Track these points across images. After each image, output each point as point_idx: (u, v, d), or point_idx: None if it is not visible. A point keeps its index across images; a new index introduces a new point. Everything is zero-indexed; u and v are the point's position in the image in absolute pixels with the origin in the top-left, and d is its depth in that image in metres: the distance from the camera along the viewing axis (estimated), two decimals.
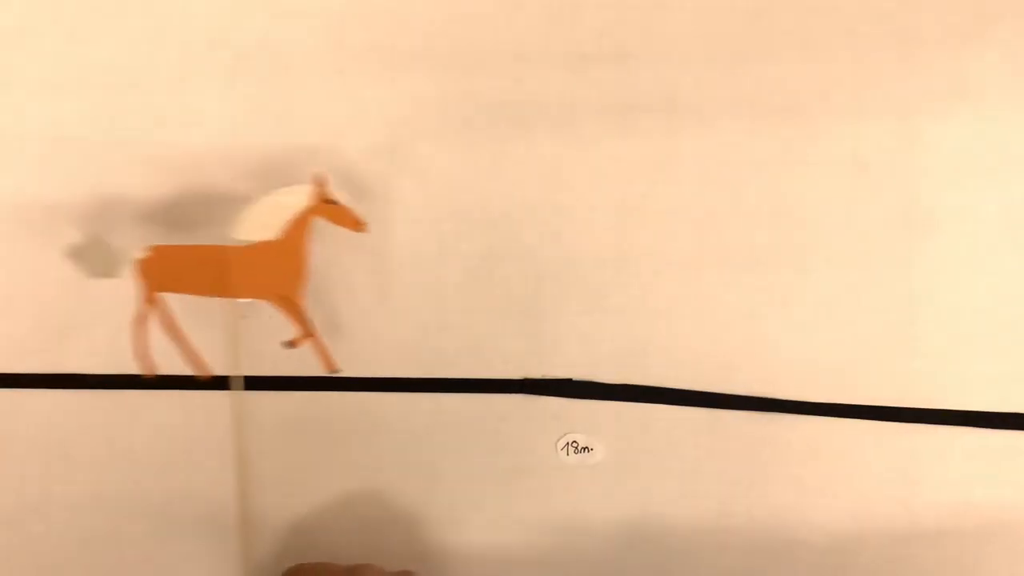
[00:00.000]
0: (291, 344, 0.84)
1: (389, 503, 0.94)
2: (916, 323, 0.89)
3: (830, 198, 0.89)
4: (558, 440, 0.92)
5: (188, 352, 0.86)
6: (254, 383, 0.91)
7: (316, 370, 0.90)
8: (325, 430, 0.93)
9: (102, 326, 0.92)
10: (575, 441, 0.92)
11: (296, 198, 0.82)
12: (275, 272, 0.82)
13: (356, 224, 0.83)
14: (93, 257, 0.83)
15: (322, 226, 0.87)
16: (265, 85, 0.89)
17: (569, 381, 0.91)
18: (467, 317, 0.91)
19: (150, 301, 0.85)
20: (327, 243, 0.90)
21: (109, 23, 0.90)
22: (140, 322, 0.85)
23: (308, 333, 0.84)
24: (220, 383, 0.88)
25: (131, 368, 0.93)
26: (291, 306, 0.83)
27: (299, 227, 0.82)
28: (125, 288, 0.91)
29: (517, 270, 0.90)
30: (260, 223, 0.81)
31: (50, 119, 0.91)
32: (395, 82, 0.89)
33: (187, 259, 0.82)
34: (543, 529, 0.94)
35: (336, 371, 0.86)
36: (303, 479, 0.93)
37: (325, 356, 0.85)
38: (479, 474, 0.93)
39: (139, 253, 0.83)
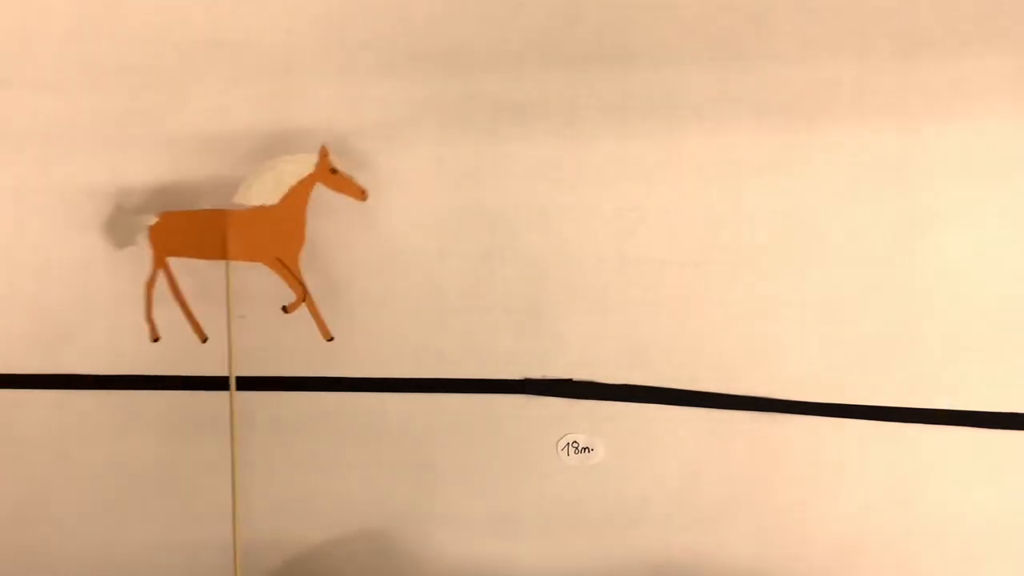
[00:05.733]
0: (287, 309, 0.86)
1: (389, 502, 0.94)
2: (916, 323, 0.89)
3: (830, 198, 0.89)
4: (558, 440, 0.92)
5: (188, 316, 0.89)
6: (249, 383, 0.92)
7: (309, 371, 0.91)
8: (324, 429, 0.93)
9: (102, 326, 0.92)
10: (575, 441, 0.92)
11: (300, 166, 0.85)
12: (273, 236, 0.86)
13: (359, 193, 0.86)
14: (117, 227, 0.88)
15: (328, 232, 0.88)
16: (265, 85, 0.89)
17: (569, 381, 0.91)
18: (467, 317, 0.91)
19: (160, 265, 0.88)
20: (326, 244, 0.90)
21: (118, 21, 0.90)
22: (150, 286, 0.89)
23: (302, 297, 0.86)
24: (222, 384, 0.90)
25: (131, 368, 0.93)
26: (287, 270, 0.86)
27: (300, 194, 0.85)
28: (126, 288, 0.92)
29: (517, 270, 0.90)
30: (263, 189, 0.85)
31: (49, 118, 0.91)
32: (395, 82, 0.89)
33: (191, 224, 0.86)
34: (544, 529, 0.94)
35: (331, 337, 0.88)
36: (303, 478, 0.94)
37: (320, 321, 0.88)
38: (479, 474, 0.93)
39: (149, 220, 0.86)
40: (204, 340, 0.89)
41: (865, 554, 0.92)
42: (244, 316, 0.91)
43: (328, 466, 0.93)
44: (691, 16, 0.87)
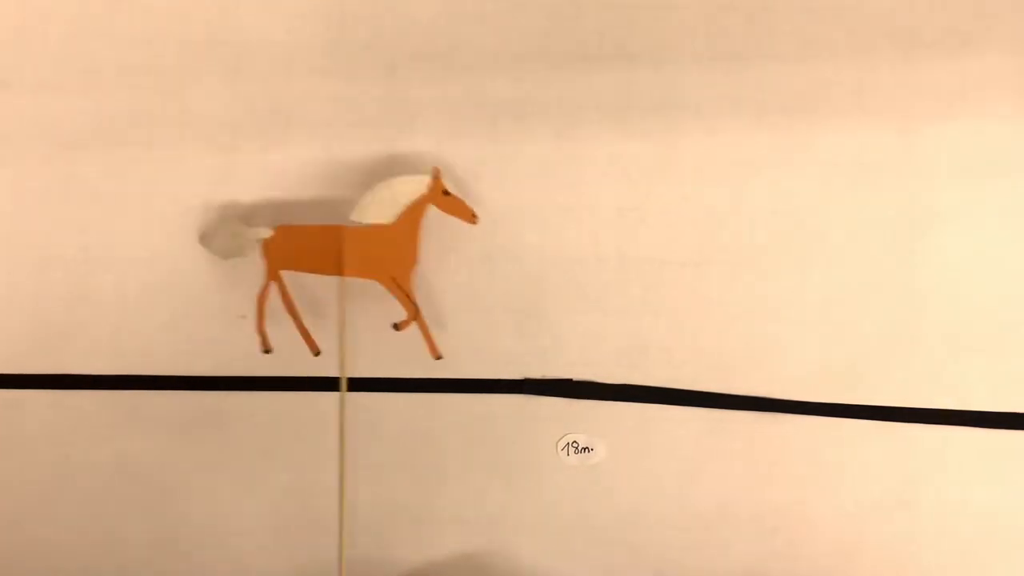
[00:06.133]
0: (397, 327, 0.87)
1: (389, 502, 0.94)
2: (916, 323, 0.89)
3: (830, 198, 0.89)
4: (558, 440, 0.92)
5: (302, 329, 0.89)
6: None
7: (308, 371, 0.91)
8: (326, 429, 0.93)
9: (102, 326, 0.92)
10: (575, 441, 0.92)
11: (414, 186, 0.86)
12: (388, 255, 0.87)
13: (470, 216, 0.87)
14: (223, 238, 0.88)
15: None
16: (265, 85, 0.89)
17: (569, 381, 0.91)
18: (467, 317, 0.91)
19: (273, 278, 0.88)
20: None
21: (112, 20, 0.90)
22: (263, 299, 0.89)
23: (414, 316, 0.87)
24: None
25: (131, 368, 0.93)
26: (400, 289, 0.87)
27: (414, 214, 0.86)
28: (127, 288, 0.92)
29: (517, 270, 0.90)
30: (379, 208, 0.85)
31: (49, 118, 0.91)
32: (395, 82, 0.89)
33: (307, 239, 0.87)
34: (544, 528, 0.94)
35: (439, 357, 0.88)
36: (298, 477, 0.94)
37: (430, 341, 0.88)
38: (479, 474, 0.93)
39: (264, 233, 0.87)
40: (317, 353, 0.89)
41: (865, 554, 0.92)
42: (245, 316, 0.91)
43: (334, 467, 0.94)
44: (691, 16, 0.88)
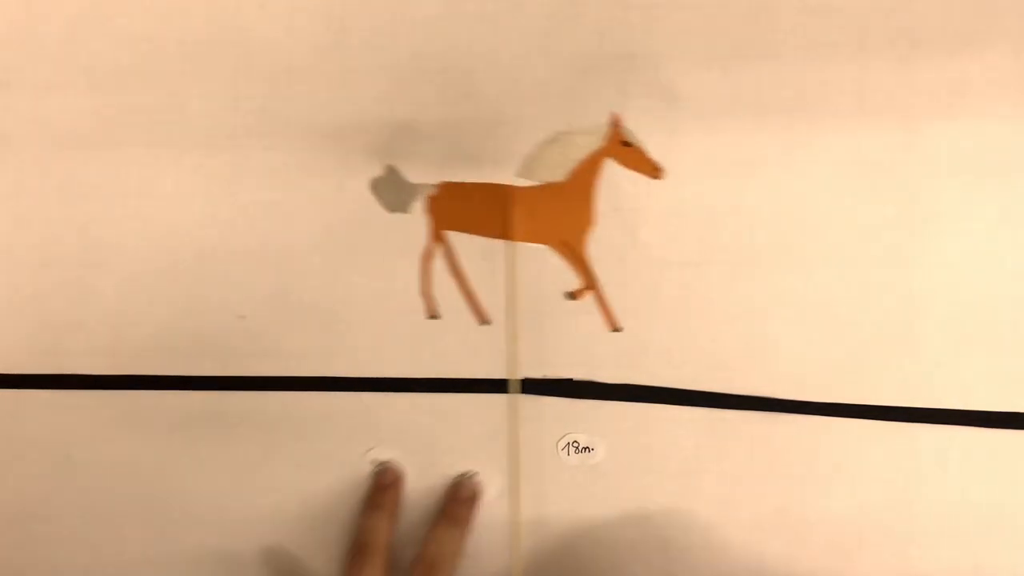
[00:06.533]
0: (572, 295, 0.81)
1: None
2: (916, 323, 0.89)
3: (830, 198, 0.89)
4: (559, 440, 0.92)
5: (468, 295, 0.83)
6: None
7: (310, 371, 0.90)
8: (331, 429, 0.93)
9: (102, 326, 0.92)
10: (576, 441, 0.92)
11: (589, 138, 0.79)
12: (560, 216, 0.79)
13: (653, 170, 0.80)
14: (388, 191, 0.82)
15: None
16: (265, 84, 0.89)
17: (569, 381, 0.91)
18: (467, 317, 0.91)
19: (437, 239, 0.83)
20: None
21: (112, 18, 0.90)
22: (427, 260, 0.84)
23: (590, 285, 0.81)
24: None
25: (131, 368, 0.93)
26: (574, 254, 0.81)
27: (590, 170, 0.79)
28: (127, 288, 0.92)
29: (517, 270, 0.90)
30: (548, 164, 0.78)
31: (49, 118, 0.91)
32: (395, 82, 0.89)
33: (472, 197, 0.80)
34: (544, 529, 0.94)
35: (618, 328, 0.82)
36: (295, 477, 0.94)
37: (607, 311, 0.82)
38: (479, 473, 0.93)
39: (429, 190, 0.81)
40: (485, 323, 0.82)
41: (865, 554, 0.92)
42: (245, 316, 0.91)
43: (333, 466, 0.94)
44: (691, 16, 0.87)
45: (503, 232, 0.78)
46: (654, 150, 0.89)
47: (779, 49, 0.88)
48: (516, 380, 0.81)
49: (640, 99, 0.88)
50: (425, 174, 0.85)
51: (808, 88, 0.88)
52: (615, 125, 0.78)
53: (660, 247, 0.90)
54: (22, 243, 0.92)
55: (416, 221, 0.84)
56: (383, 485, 0.87)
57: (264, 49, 0.89)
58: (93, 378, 0.93)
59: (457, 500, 0.88)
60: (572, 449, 0.92)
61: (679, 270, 0.90)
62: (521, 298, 0.79)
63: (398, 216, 0.88)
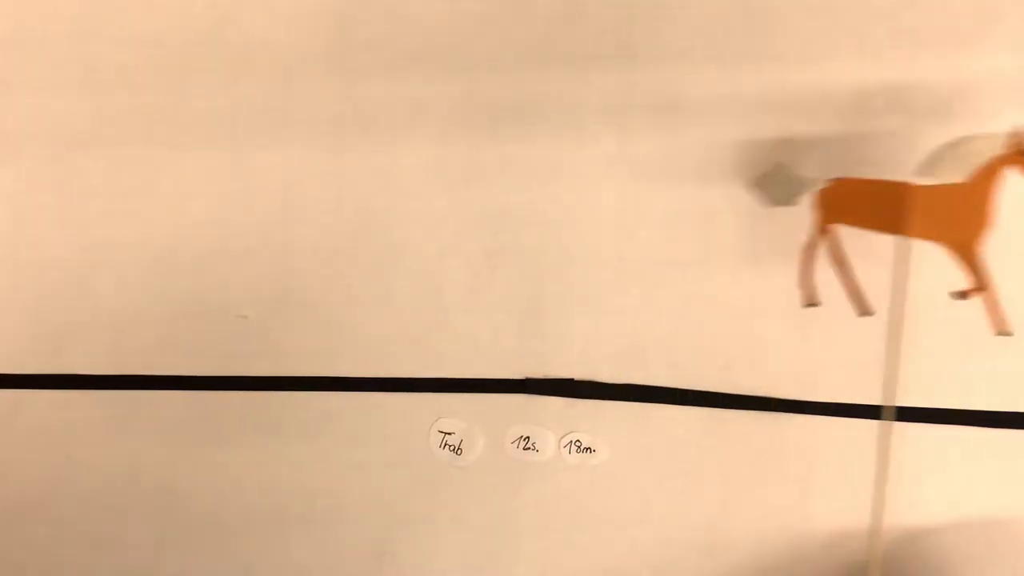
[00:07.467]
0: (962, 295, 0.79)
1: (388, 501, 0.94)
2: (915, 323, 0.89)
3: None
4: (560, 439, 0.92)
5: (851, 287, 0.83)
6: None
7: (311, 371, 0.91)
8: (342, 431, 0.93)
9: (102, 326, 0.92)
10: (578, 440, 0.92)
11: (989, 144, 0.77)
12: (957, 216, 0.78)
13: None
14: (775, 186, 0.83)
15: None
16: (265, 84, 0.89)
17: (570, 381, 0.91)
18: (467, 317, 0.91)
19: (823, 232, 0.83)
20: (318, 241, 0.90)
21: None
22: (810, 251, 0.84)
23: (982, 286, 0.78)
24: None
25: (131, 368, 0.93)
26: (967, 255, 0.78)
27: (989, 174, 0.77)
28: (129, 287, 0.92)
29: (517, 270, 0.90)
30: (949, 165, 0.78)
31: (49, 118, 0.91)
32: (395, 82, 0.89)
33: (866, 193, 0.80)
34: (544, 528, 0.94)
35: (1007, 332, 0.79)
36: (300, 478, 0.94)
37: (996, 313, 0.79)
38: (480, 474, 0.93)
39: (821, 184, 0.81)
40: (866, 314, 0.82)
41: (865, 554, 0.92)
42: (246, 316, 0.91)
43: (335, 467, 0.94)
44: (691, 16, 0.87)
45: (897, 228, 0.77)
46: (654, 150, 0.88)
47: (779, 49, 0.87)
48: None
49: (640, 99, 0.88)
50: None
51: (808, 88, 0.87)
52: (1016, 135, 0.77)
53: (660, 247, 0.89)
54: (22, 243, 0.92)
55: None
56: None
57: (264, 49, 0.89)
58: (93, 378, 0.93)
59: None
60: (574, 448, 0.92)
61: (679, 270, 0.89)
62: (910, 293, 0.80)
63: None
